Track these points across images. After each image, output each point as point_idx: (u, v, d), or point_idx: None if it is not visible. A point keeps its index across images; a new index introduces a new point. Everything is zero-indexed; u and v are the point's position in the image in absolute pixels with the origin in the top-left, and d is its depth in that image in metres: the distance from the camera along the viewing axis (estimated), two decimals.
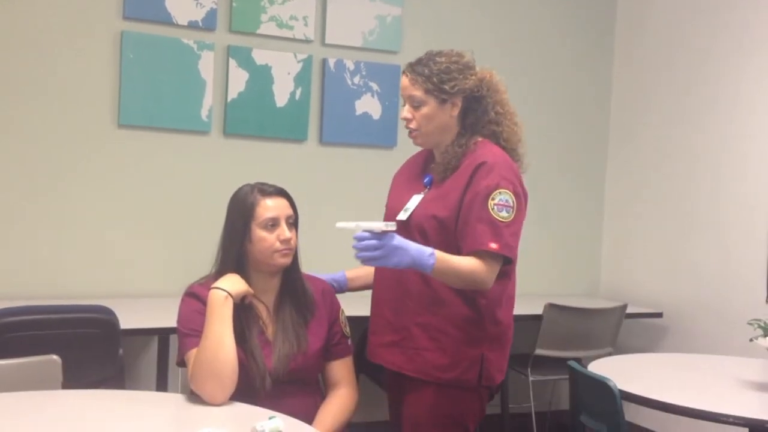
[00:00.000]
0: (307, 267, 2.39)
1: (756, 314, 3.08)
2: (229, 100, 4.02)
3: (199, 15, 3.94)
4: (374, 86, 4.29)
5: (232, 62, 4.01)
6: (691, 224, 4.37)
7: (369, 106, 4.29)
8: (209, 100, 3.97)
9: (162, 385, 3.46)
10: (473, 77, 2.34)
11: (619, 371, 2.58)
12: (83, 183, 3.79)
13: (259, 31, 4.06)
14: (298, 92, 4.14)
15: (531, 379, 3.90)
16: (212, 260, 2.31)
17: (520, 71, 4.45)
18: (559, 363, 3.70)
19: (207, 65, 3.95)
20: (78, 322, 2.94)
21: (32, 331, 2.83)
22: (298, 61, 4.14)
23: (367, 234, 2.08)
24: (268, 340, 2.23)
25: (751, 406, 2.42)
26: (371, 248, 2.08)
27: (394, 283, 2.35)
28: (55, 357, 2.27)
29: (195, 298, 2.23)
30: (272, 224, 2.24)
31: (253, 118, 4.07)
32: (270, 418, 1.89)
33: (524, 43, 4.64)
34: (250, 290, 2.21)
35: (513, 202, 2.26)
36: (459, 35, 4.35)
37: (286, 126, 4.14)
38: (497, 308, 2.34)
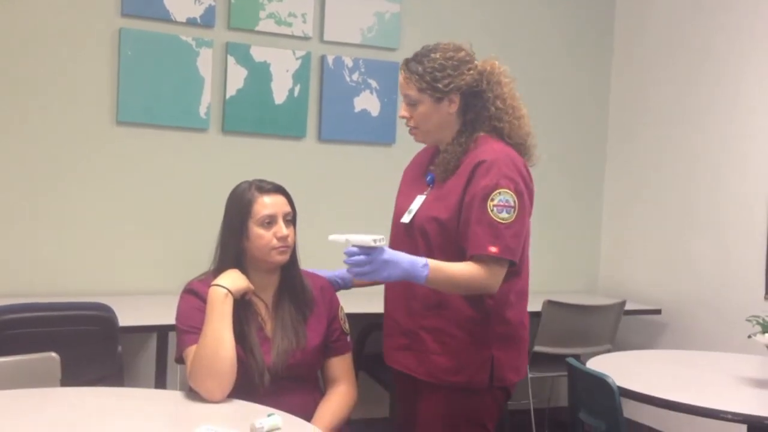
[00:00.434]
0: (305, 264, 2.38)
1: (754, 311, 3.08)
2: (227, 97, 4.01)
3: (197, 12, 3.93)
4: (373, 83, 4.29)
5: (231, 59, 4.01)
6: (690, 221, 4.37)
7: (368, 103, 4.29)
8: (208, 97, 3.97)
9: (161, 383, 3.46)
10: (471, 72, 2.26)
11: (618, 368, 2.58)
12: (82, 180, 3.79)
13: (257, 28, 4.06)
14: (297, 89, 4.14)
15: (530, 375, 3.90)
16: (211, 257, 2.31)
17: (519, 70, 4.41)
18: (558, 360, 3.70)
19: (205, 62, 3.95)
20: (77, 320, 2.95)
21: (31, 328, 2.83)
22: (297, 58, 4.13)
23: (356, 249, 2.07)
24: (267, 337, 2.23)
25: (750, 403, 2.42)
26: (361, 263, 2.07)
27: (402, 286, 2.29)
28: (53, 354, 2.27)
29: (194, 295, 2.23)
30: (269, 221, 2.23)
31: (252, 115, 4.06)
32: (269, 415, 1.90)
33: (523, 41, 4.64)
34: (251, 287, 2.21)
35: (514, 201, 2.19)
36: (458, 32, 4.30)
37: (284, 123, 4.13)
38: (505, 307, 2.28)
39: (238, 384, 2.11)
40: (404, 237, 2.35)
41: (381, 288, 2.49)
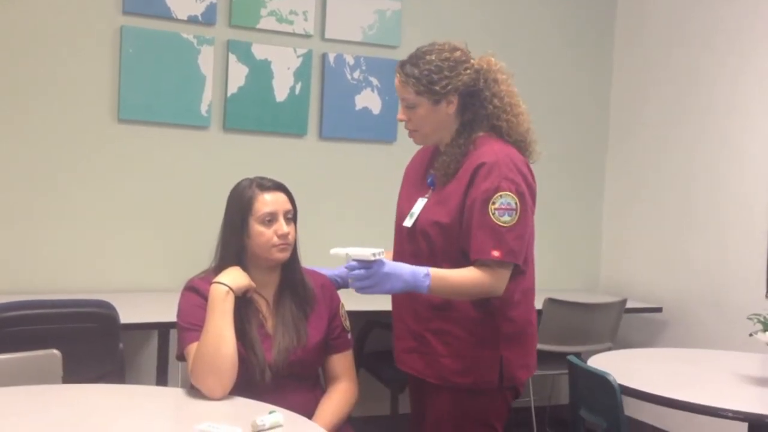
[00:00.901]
0: (305, 261, 2.38)
1: (755, 309, 3.08)
2: (228, 94, 4.01)
3: (198, 9, 3.93)
4: (374, 81, 4.29)
5: (232, 57, 4.01)
6: (691, 219, 4.37)
7: (369, 101, 4.29)
8: (209, 95, 3.97)
9: (162, 380, 3.46)
10: (467, 72, 2.24)
11: (619, 366, 2.58)
12: (83, 178, 3.79)
13: (258, 26, 4.06)
14: (298, 87, 4.14)
15: (536, 368, 3.90)
16: (212, 254, 2.31)
17: (519, 68, 4.39)
18: (559, 358, 3.69)
19: (207, 60, 3.95)
20: (78, 317, 2.95)
21: (32, 325, 2.83)
22: (298, 56, 4.13)
23: (356, 263, 2.08)
24: (268, 334, 2.24)
25: (751, 401, 2.42)
26: (362, 278, 2.08)
27: None
28: (55, 351, 2.27)
29: (195, 293, 2.23)
30: (270, 219, 2.23)
31: (253, 113, 4.06)
32: (270, 413, 1.90)
33: (524, 40, 4.63)
34: (252, 284, 2.21)
35: (516, 203, 2.17)
36: (458, 30, 4.32)
37: (285, 121, 4.13)
38: (511, 307, 2.27)
39: (239, 381, 2.11)
40: (407, 240, 2.34)
41: None
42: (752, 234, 4.04)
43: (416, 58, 2.26)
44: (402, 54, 2.76)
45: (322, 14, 4.18)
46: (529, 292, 2.35)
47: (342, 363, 2.35)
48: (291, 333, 2.24)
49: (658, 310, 4.43)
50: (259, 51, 4.06)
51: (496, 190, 2.17)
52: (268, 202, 2.24)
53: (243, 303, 2.20)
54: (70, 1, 3.74)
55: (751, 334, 2.59)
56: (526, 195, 2.21)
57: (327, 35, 4.20)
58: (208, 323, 2.11)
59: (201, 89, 3.95)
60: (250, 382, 2.15)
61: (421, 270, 2.14)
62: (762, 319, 2.54)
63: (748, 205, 4.06)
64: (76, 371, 2.35)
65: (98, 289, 3.67)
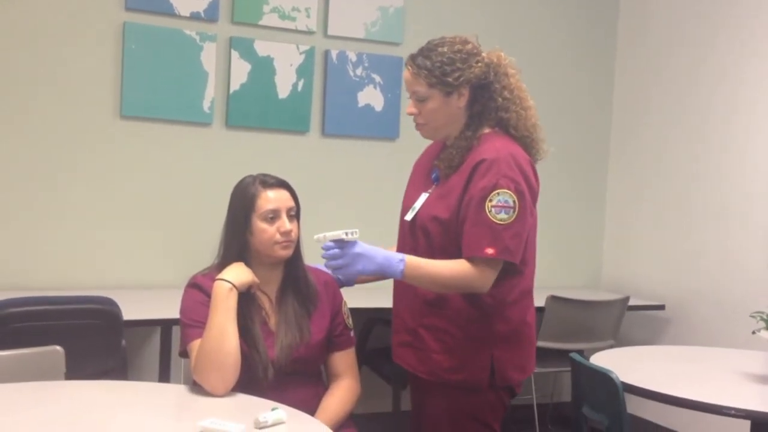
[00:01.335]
0: (307, 259, 2.38)
1: (758, 307, 3.08)
2: (231, 91, 4.01)
3: (201, 6, 3.93)
4: (377, 78, 4.28)
5: (234, 54, 4.01)
6: (693, 217, 4.37)
7: (371, 97, 4.28)
8: (211, 92, 3.97)
9: (164, 376, 3.47)
10: (479, 65, 2.23)
11: (621, 363, 2.58)
12: (85, 174, 3.79)
13: (261, 23, 4.06)
14: (301, 84, 4.14)
15: (533, 370, 3.90)
16: (214, 251, 2.31)
17: (522, 67, 4.44)
18: (561, 355, 3.70)
19: (209, 56, 3.95)
20: (81, 313, 2.95)
21: (35, 322, 2.83)
22: (301, 53, 4.13)
23: (331, 243, 2.10)
24: (271, 331, 2.24)
25: (753, 399, 2.42)
26: (335, 257, 2.09)
27: (406, 283, 2.27)
28: (58, 348, 2.27)
29: (198, 289, 2.23)
30: (272, 216, 2.23)
31: (255, 109, 4.06)
32: (273, 409, 1.90)
33: (526, 39, 4.63)
34: (256, 280, 2.21)
35: (514, 201, 2.15)
36: (461, 27, 4.31)
37: (288, 118, 4.13)
38: (506, 306, 2.26)
39: (241, 378, 2.11)
40: (408, 235, 2.34)
41: (383, 283, 2.48)
42: (754, 232, 4.03)
43: (428, 51, 2.25)
44: (404, 51, 2.77)
45: (324, 11, 4.18)
46: (527, 293, 2.33)
47: (344, 360, 2.35)
48: (294, 330, 2.23)
49: (661, 307, 4.43)
50: (262, 48, 4.05)
51: (494, 187, 2.16)
52: (271, 199, 2.24)
53: (246, 300, 2.20)
54: None
55: (753, 332, 2.59)
56: (525, 194, 2.19)
57: (329, 32, 4.19)
58: (211, 320, 2.11)
59: (203, 86, 3.95)
60: (253, 378, 2.15)
61: (397, 255, 2.15)
62: (765, 317, 2.54)
63: (751, 203, 4.06)
64: (78, 368, 2.35)
65: (101, 285, 3.67)
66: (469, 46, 2.26)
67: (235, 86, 4.02)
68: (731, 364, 2.78)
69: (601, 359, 2.67)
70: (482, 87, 2.25)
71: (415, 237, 2.30)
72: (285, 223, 2.23)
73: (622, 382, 2.35)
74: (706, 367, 2.80)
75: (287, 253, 2.26)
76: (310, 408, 2.19)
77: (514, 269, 2.23)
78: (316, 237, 2.11)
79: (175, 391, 2.26)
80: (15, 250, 3.68)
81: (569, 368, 2.67)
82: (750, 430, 2.58)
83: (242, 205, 2.25)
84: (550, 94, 4.65)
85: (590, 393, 2.54)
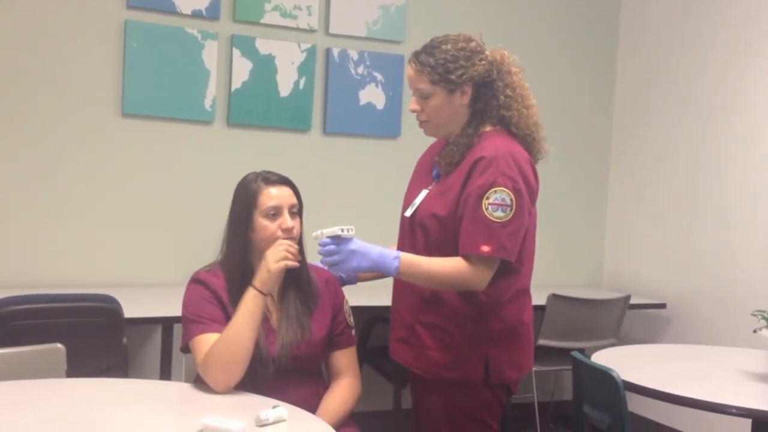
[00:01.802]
0: (308, 256, 2.38)
1: (759, 305, 3.08)
2: (232, 89, 4.01)
3: (202, 4, 3.93)
4: (378, 76, 4.28)
5: (236, 52, 4.01)
6: (695, 216, 4.37)
7: (373, 96, 4.28)
8: (213, 90, 3.97)
9: (166, 374, 3.47)
10: (482, 62, 2.23)
11: (623, 362, 2.58)
12: (87, 172, 3.79)
13: (262, 21, 4.06)
14: (302, 82, 4.14)
15: (534, 369, 3.89)
16: (216, 249, 2.31)
17: (523, 64, 4.45)
18: (562, 353, 3.71)
19: (211, 55, 3.95)
20: (82, 311, 2.95)
21: (36, 319, 2.84)
22: (302, 51, 4.13)
23: (328, 240, 2.11)
24: (273, 328, 2.24)
25: (755, 397, 2.42)
26: (330, 253, 2.11)
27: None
28: (59, 345, 2.28)
29: (202, 285, 2.23)
30: (274, 213, 2.23)
31: (257, 107, 4.06)
32: (274, 407, 1.90)
33: (528, 37, 4.63)
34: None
35: (511, 199, 2.15)
36: (462, 25, 4.31)
37: (289, 116, 4.13)
38: (503, 305, 2.26)
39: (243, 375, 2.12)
40: (407, 231, 2.34)
41: (384, 281, 2.49)
42: (755, 231, 4.03)
43: (432, 48, 2.26)
44: (406, 49, 2.77)
45: (326, 9, 4.18)
46: (524, 292, 2.33)
47: (345, 359, 2.35)
48: (295, 328, 2.24)
49: (662, 306, 4.43)
50: (263, 46, 4.05)
51: (492, 185, 2.16)
52: (273, 196, 2.24)
53: None
54: None
55: (755, 331, 2.59)
56: (523, 193, 2.19)
57: (331, 30, 4.19)
58: (231, 321, 2.12)
59: (205, 84, 3.95)
60: (254, 375, 2.15)
61: (392, 252, 2.15)
62: (766, 316, 2.54)
63: (752, 201, 4.06)
64: (79, 365, 2.35)
65: (102, 283, 3.67)
66: (473, 44, 2.26)
67: (236, 84, 4.02)
68: (732, 363, 2.78)
69: (603, 358, 2.67)
70: (485, 85, 2.25)
71: (413, 233, 2.30)
72: (287, 220, 2.23)
73: (624, 381, 2.35)
74: (707, 366, 2.79)
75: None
76: (311, 406, 2.19)
77: (511, 268, 2.23)
78: (314, 234, 2.13)
79: (176, 389, 2.26)
80: (16, 248, 3.68)
81: (570, 367, 2.67)
82: (751, 429, 2.58)
83: (244, 201, 2.25)
84: (551, 93, 4.64)
85: (591, 391, 2.54)
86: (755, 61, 4.10)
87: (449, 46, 2.24)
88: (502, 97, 2.26)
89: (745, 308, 3.27)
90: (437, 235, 2.25)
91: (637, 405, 3.88)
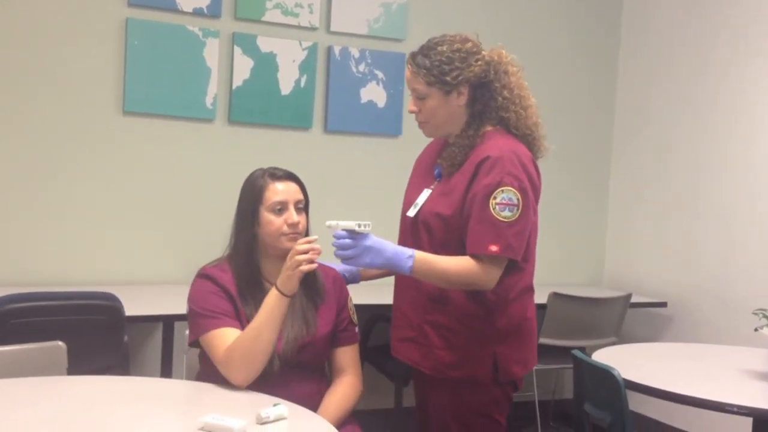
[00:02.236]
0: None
1: (760, 304, 3.07)
2: (233, 87, 4.01)
3: (204, 2, 3.92)
4: (379, 74, 4.28)
5: (237, 50, 4.00)
6: (696, 215, 4.36)
7: (374, 94, 4.28)
8: (214, 88, 3.97)
9: (166, 372, 3.47)
10: (478, 63, 2.24)
11: (624, 360, 2.58)
12: (88, 170, 3.79)
13: (264, 19, 4.05)
14: (303, 80, 4.13)
15: (535, 367, 3.89)
16: (217, 247, 2.32)
17: (524, 63, 4.44)
18: (563, 352, 3.70)
19: (212, 52, 3.95)
20: (83, 309, 2.95)
21: (37, 317, 2.84)
22: (303, 49, 4.13)
23: (344, 233, 2.12)
24: None
25: (756, 396, 2.42)
26: (346, 247, 2.11)
27: (410, 278, 2.28)
28: (60, 343, 2.28)
29: (209, 280, 2.24)
30: (280, 208, 2.24)
31: (258, 105, 4.06)
32: (274, 405, 1.90)
33: (530, 34, 4.62)
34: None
35: (518, 199, 2.17)
36: (463, 23, 4.31)
37: (290, 114, 4.13)
38: (508, 303, 2.27)
39: None
40: (410, 230, 2.35)
41: (386, 280, 2.49)
42: (756, 229, 4.03)
43: (427, 49, 2.26)
44: (407, 47, 2.77)
45: (327, 7, 4.18)
46: (528, 289, 2.35)
47: (348, 356, 2.35)
48: (300, 323, 2.24)
49: (663, 304, 4.43)
50: (265, 44, 4.05)
51: (498, 185, 2.17)
52: (279, 191, 2.25)
53: (254, 292, 2.21)
54: None
55: (756, 329, 2.59)
56: (529, 192, 2.21)
57: (332, 28, 4.19)
58: (253, 320, 2.14)
59: (206, 82, 3.95)
60: None
61: (407, 251, 2.16)
62: (767, 314, 2.54)
63: (753, 200, 4.06)
64: (80, 363, 2.35)
65: (103, 281, 3.67)
66: (469, 45, 2.27)
67: (237, 82, 4.01)
68: (733, 362, 2.78)
69: (603, 356, 2.67)
70: (482, 86, 2.26)
71: (417, 232, 2.31)
72: (292, 215, 2.24)
73: (624, 380, 2.35)
74: (708, 365, 2.79)
75: (294, 245, 2.25)
76: (314, 403, 2.20)
77: (516, 266, 2.24)
78: (328, 223, 2.13)
79: (176, 387, 2.26)
80: (17, 246, 3.68)
81: (571, 365, 2.67)
82: (752, 428, 2.58)
83: (251, 197, 2.26)
84: (552, 92, 4.64)
85: (592, 390, 2.54)
86: (757, 61, 4.10)
87: (445, 48, 2.24)
88: (499, 98, 2.27)
89: (746, 307, 3.26)
90: (441, 235, 2.26)
91: (638, 403, 3.89)
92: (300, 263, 2.11)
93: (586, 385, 2.58)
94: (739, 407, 2.28)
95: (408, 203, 2.38)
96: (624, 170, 4.85)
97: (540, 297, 3.84)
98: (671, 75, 4.55)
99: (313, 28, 4.16)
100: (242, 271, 2.24)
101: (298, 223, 2.24)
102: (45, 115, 3.71)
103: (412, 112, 2.32)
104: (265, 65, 4.06)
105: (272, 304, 2.13)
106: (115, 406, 2.00)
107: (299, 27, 4.13)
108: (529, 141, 2.30)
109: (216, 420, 1.80)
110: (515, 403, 2.43)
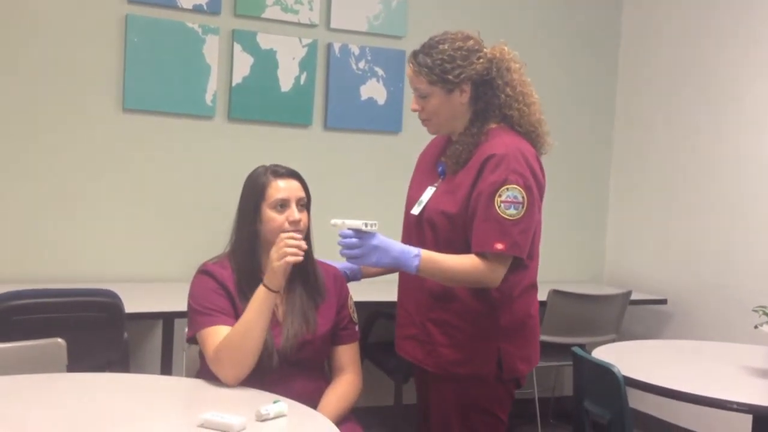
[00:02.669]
0: (317, 252, 2.37)
1: (760, 301, 3.07)
2: (233, 84, 4.01)
3: None
4: (379, 71, 4.28)
5: (237, 46, 4.00)
6: (696, 212, 4.36)
7: (374, 91, 4.28)
8: (214, 85, 3.96)
9: (166, 369, 3.47)
10: (480, 61, 2.23)
11: (623, 357, 2.58)
12: (87, 168, 3.79)
13: (264, 16, 4.05)
14: (303, 77, 4.13)
15: (538, 361, 3.90)
16: (217, 243, 2.32)
17: (526, 57, 4.44)
18: (563, 349, 3.70)
19: (212, 49, 3.94)
20: (83, 306, 2.95)
21: (37, 314, 2.84)
22: (303, 46, 4.12)
23: (350, 232, 2.11)
24: (278, 321, 2.24)
25: (755, 393, 2.42)
26: (352, 246, 2.11)
27: (413, 276, 2.27)
28: (60, 340, 2.28)
29: (209, 276, 2.24)
30: (282, 205, 2.24)
31: (258, 102, 4.06)
32: (274, 402, 1.90)
33: (531, 29, 4.61)
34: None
35: (523, 197, 2.17)
36: (463, 20, 4.30)
37: (290, 111, 4.13)
38: (512, 300, 2.27)
39: None
40: (414, 228, 2.35)
41: (386, 277, 2.49)
42: (757, 227, 4.03)
43: (429, 48, 2.26)
44: (407, 44, 2.77)
45: (327, 4, 4.17)
46: (532, 286, 2.35)
47: (348, 354, 2.35)
48: (300, 321, 2.24)
49: (663, 301, 4.43)
50: (264, 41, 4.05)
51: (504, 183, 2.17)
52: (281, 188, 2.25)
53: (254, 289, 2.21)
54: None
55: (756, 326, 2.59)
56: (534, 189, 2.21)
57: (332, 25, 4.19)
58: (242, 316, 2.13)
59: (206, 79, 3.94)
60: (258, 367, 2.16)
61: (413, 250, 2.16)
62: (767, 311, 2.54)
63: (753, 197, 4.05)
64: (80, 360, 2.35)
65: (103, 278, 3.67)
66: (471, 42, 2.26)
67: (237, 79, 4.01)
68: (733, 359, 2.78)
69: (603, 353, 2.67)
70: (484, 83, 2.26)
71: (421, 230, 2.31)
72: (294, 213, 2.24)
73: (624, 376, 2.35)
74: (708, 362, 2.79)
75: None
76: (314, 401, 2.20)
77: (521, 263, 2.25)
78: (333, 221, 2.13)
79: (176, 384, 2.26)
80: (17, 243, 3.68)
81: (571, 362, 2.67)
82: (752, 425, 2.58)
83: (253, 194, 2.26)
84: (552, 91, 4.61)
85: (592, 387, 2.54)
86: (759, 57, 4.09)
87: (446, 46, 2.24)
88: (502, 95, 2.26)
89: (746, 304, 3.26)
90: (446, 233, 2.26)
91: (637, 401, 3.89)
92: (286, 255, 2.11)
93: (586, 382, 2.58)
94: (739, 404, 2.28)
95: (411, 201, 2.38)
96: (624, 167, 4.84)
97: (540, 294, 3.83)
98: (671, 74, 4.54)
99: (312, 25, 4.15)
100: (243, 268, 2.24)
101: (299, 221, 2.24)
102: (44, 113, 3.71)
103: (414, 110, 2.32)
104: (265, 62, 4.05)
105: (260, 300, 2.13)
106: (114, 403, 2.00)
107: (299, 24, 4.12)
108: (533, 138, 2.30)
109: (216, 417, 1.80)
110: (515, 400, 2.43)
